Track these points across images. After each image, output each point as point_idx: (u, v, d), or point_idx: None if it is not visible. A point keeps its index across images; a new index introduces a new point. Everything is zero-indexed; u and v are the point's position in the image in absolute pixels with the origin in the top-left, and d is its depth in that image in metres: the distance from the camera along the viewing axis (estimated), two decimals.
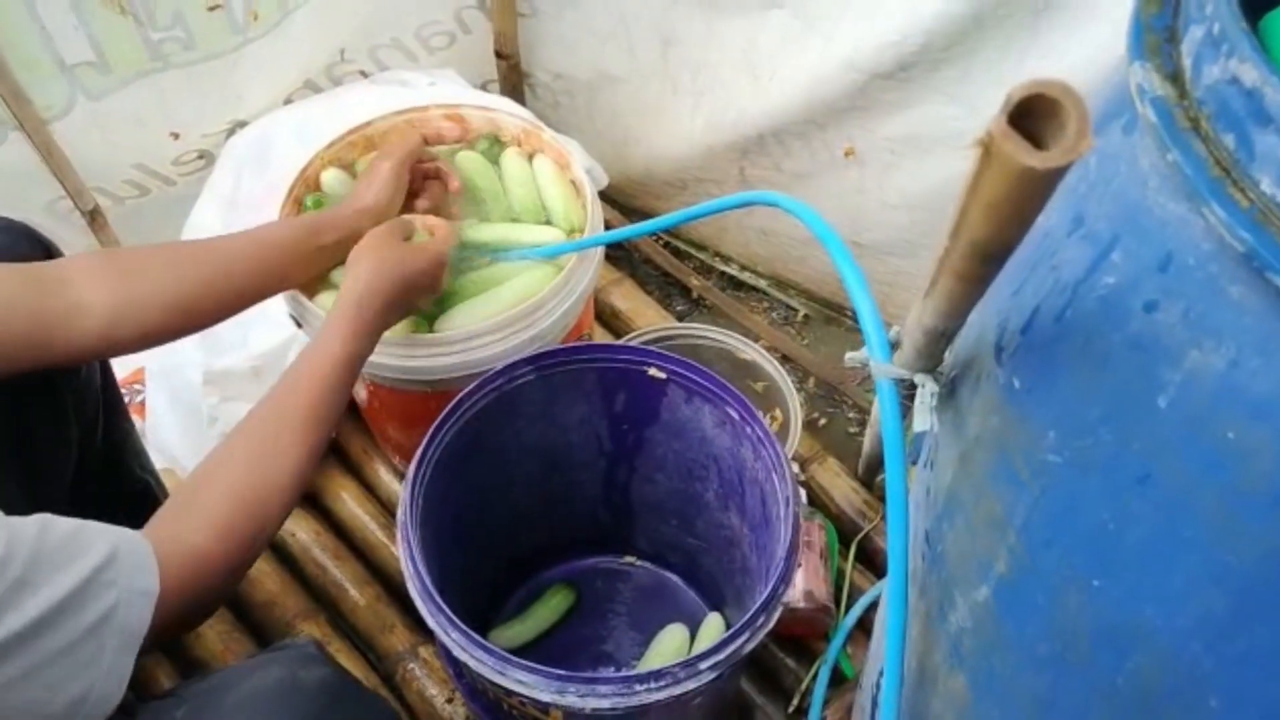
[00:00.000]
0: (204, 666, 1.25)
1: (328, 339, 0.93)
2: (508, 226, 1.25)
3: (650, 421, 1.13)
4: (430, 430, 0.99)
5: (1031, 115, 0.39)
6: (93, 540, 0.69)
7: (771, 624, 0.90)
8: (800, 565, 1.26)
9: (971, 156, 0.41)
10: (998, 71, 1.23)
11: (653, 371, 1.05)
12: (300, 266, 1.05)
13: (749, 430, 1.01)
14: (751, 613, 0.89)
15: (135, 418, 1.45)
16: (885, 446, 0.64)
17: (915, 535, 0.74)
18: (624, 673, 0.94)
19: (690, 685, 0.86)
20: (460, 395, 1.01)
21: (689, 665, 0.86)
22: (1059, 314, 0.55)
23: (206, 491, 0.82)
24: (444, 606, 0.88)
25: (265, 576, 1.32)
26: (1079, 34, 1.16)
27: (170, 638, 0.77)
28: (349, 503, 1.40)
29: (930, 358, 0.64)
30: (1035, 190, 0.42)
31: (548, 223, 1.25)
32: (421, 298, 1.06)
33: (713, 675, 0.87)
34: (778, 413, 1.39)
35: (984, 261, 0.49)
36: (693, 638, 1.25)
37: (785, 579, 0.91)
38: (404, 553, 0.92)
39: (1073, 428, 0.53)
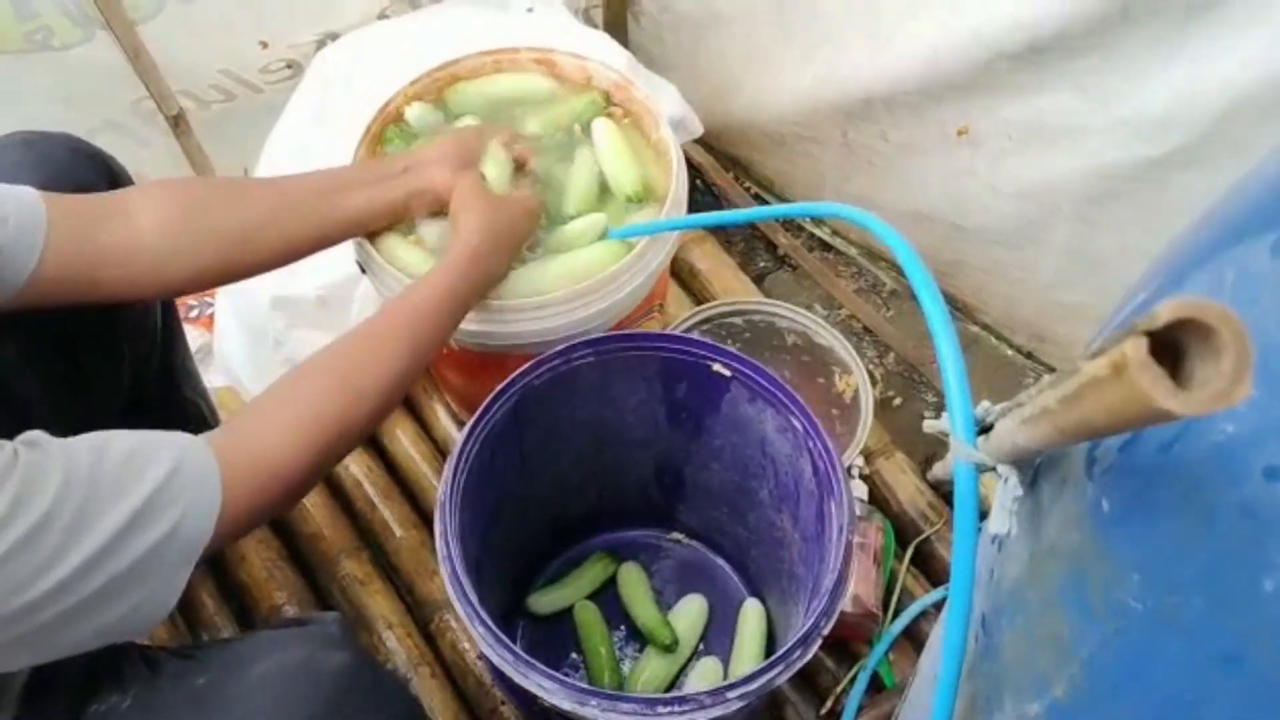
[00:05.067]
0: (248, 591, 1.27)
1: (432, 272, 0.93)
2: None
3: (711, 412, 1.08)
4: (480, 410, 0.95)
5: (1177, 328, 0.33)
6: (153, 456, 0.67)
7: (808, 658, 0.86)
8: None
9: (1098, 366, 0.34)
10: (1139, 69, 1.12)
11: (716, 368, 1.00)
12: (365, 207, 1.01)
13: (811, 444, 0.95)
14: (788, 647, 0.84)
15: (203, 330, 1.45)
16: (955, 537, 0.58)
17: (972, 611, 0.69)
18: (649, 694, 0.91)
19: (715, 713, 0.83)
20: (513, 375, 0.97)
21: (716, 694, 0.82)
22: (1166, 445, 0.48)
23: (285, 400, 0.79)
24: (473, 599, 0.86)
25: (315, 509, 1.32)
26: (1233, 39, 1.04)
27: (231, 543, 0.76)
28: (404, 441, 1.38)
29: (1019, 466, 0.58)
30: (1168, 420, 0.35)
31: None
32: (520, 245, 1.06)
33: (740, 704, 0.84)
34: (852, 378, 1.32)
35: (1094, 436, 0.43)
36: (715, 615, 1.24)
37: (829, 613, 0.87)
38: (440, 534, 0.90)
39: (1161, 579, 0.47)
